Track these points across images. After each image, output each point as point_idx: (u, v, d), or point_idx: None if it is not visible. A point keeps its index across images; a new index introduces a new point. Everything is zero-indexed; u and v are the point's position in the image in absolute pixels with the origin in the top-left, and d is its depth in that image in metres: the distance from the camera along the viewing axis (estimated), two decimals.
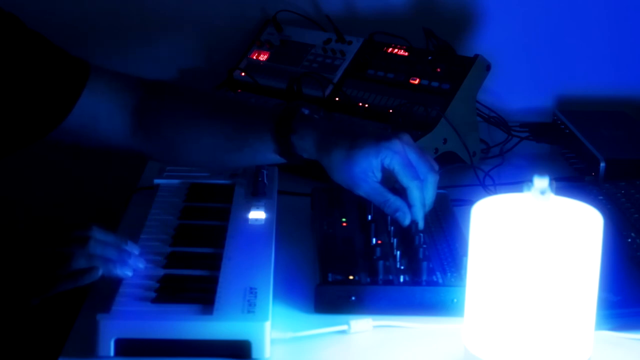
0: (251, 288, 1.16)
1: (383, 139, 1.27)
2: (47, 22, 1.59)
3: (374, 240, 1.33)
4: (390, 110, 1.73)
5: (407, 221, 1.28)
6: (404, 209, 1.28)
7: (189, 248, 1.30)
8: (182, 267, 1.24)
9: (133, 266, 1.22)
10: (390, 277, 1.23)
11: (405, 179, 1.27)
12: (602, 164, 1.65)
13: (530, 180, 1.02)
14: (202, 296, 1.14)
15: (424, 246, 1.29)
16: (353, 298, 1.21)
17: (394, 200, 1.28)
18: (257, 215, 1.38)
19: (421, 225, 1.29)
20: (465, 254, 1.16)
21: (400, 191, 1.29)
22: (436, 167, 1.30)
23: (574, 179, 1.68)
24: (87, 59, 1.38)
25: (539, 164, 1.85)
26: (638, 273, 1.29)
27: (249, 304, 1.12)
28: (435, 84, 1.76)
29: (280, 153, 1.33)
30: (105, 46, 2.07)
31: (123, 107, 1.38)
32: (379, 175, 1.28)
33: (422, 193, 1.27)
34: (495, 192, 1.60)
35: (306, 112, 1.33)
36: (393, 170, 1.27)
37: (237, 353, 1.09)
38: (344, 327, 1.18)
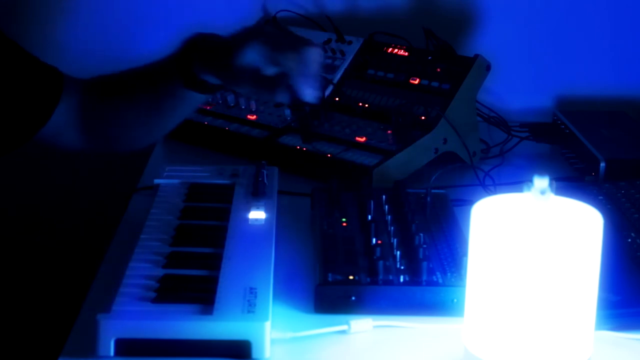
0: (251, 288, 1.15)
1: (251, 28, 1.30)
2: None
3: (374, 240, 1.33)
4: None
5: (306, 96, 1.26)
6: (298, 86, 1.25)
7: (189, 248, 1.30)
8: (182, 267, 1.24)
9: None
10: (390, 277, 1.23)
11: (281, 57, 1.25)
12: (602, 164, 1.65)
13: (530, 180, 1.02)
14: (202, 296, 1.14)
15: (424, 246, 1.29)
16: (353, 298, 1.21)
17: (281, 84, 1.26)
18: (257, 215, 1.38)
19: (317, 95, 1.26)
20: (465, 254, 1.16)
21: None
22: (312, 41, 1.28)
23: (574, 179, 1.68)
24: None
25: (539, 164, 1.85)
26: (638, 273, 1.29)
27: (249, 304, 1.12)
28: (435, 84, 1.76)
29: (188, 85, 1.34)
30: (106, 46, 2.07)
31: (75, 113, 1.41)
32: (262, 66, 1.26)
33: (303, 65, 1.25)
34: (495, 192, 1.60)
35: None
36: (269, 52, 1.25)
37: (237, 353, 1.09)
38: (344, 327, 1.18)
